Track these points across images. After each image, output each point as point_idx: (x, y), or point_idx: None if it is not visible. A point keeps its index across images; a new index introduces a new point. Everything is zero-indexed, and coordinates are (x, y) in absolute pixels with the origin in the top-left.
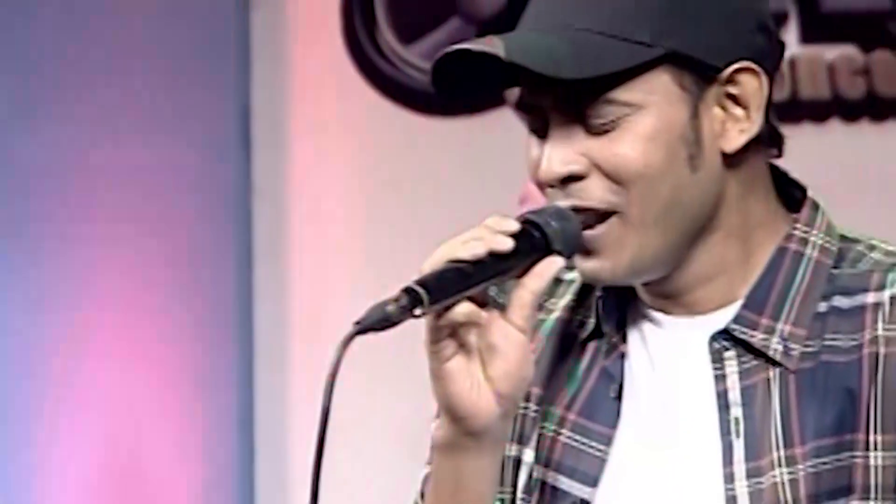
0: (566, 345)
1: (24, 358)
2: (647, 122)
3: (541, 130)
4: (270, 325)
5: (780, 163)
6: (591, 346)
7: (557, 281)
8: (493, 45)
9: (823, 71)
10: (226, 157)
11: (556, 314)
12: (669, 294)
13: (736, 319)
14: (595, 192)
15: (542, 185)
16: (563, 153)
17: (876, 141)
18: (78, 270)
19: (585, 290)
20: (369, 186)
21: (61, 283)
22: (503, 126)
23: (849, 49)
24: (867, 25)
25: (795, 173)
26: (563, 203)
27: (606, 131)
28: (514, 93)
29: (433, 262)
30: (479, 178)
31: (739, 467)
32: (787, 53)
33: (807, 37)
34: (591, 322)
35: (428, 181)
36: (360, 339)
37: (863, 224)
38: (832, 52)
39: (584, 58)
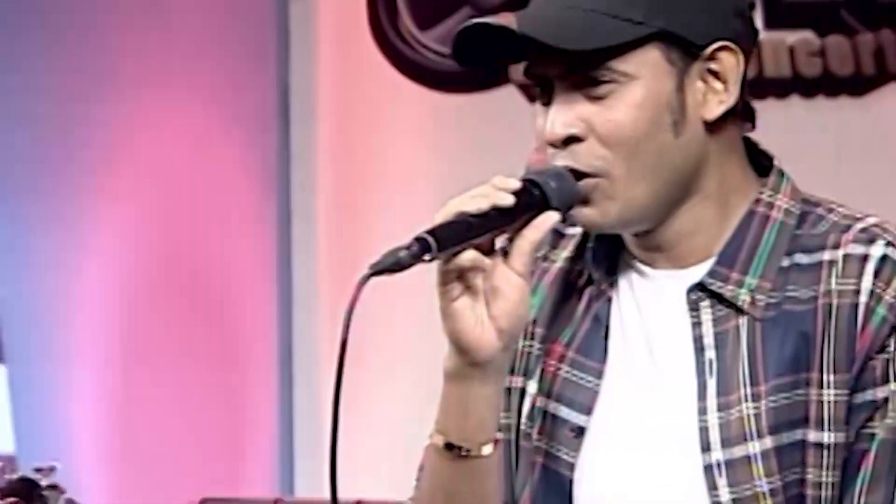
0: (566, 291)
1: None
2: (637, 91)
3: (546, 99)
4: (306, 272)
5: (748, 134)
6: (588, 292)
7: (560, 235)
8: (507, 20)
9: (785, 53)
10: (268, 129)
11: (558, 264)
12: (655, 247)
13: (710, 274)
14: (591, 153)
15: (546, 146)
16: (565, 117)
17: (831, 114)
18: (136, 233)
19: (584, 243)
20: (390, 153)
21: (120, 256)
22: (509, 102)
23: (807, 34)
24: (823, 13)
25: (761, 143)
26: (561, 163)
27: (602, 97)
28: (518, 70)
29: (443, 214)
30: (488, 146)
31: (711, 402)
32: None
33: (770, 23)
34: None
35: (442, 149)
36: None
37: (820, 188)
38: (792, 37)
39: (585, 32)
